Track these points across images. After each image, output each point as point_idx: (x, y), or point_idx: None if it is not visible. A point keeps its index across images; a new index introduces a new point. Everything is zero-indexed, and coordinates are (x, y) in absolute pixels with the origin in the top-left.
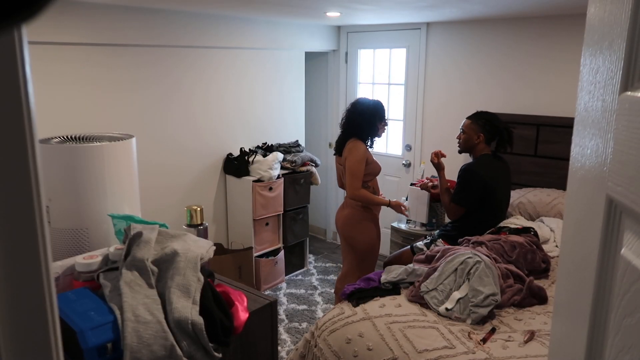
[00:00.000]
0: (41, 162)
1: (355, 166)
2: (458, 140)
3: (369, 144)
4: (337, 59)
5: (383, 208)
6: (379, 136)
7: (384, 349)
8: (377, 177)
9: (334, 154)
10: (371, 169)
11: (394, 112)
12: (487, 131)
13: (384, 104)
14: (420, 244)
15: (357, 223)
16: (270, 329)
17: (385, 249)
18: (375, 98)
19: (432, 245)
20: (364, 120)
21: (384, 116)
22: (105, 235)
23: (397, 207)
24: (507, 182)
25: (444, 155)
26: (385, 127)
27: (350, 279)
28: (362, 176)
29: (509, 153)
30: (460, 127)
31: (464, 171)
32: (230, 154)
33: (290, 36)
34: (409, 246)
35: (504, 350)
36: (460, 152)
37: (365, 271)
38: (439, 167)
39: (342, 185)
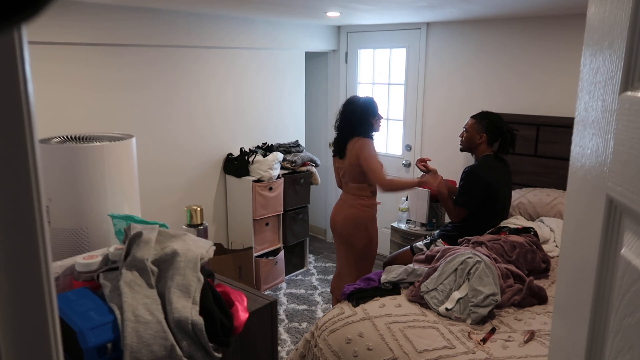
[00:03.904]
0: (41, 162)
1: (373, 160)
2: (461, 138)
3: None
4: (337, 59)
5: (380, 208)
6: (377, 131)
7: (384, 349)
8: None
9: (334, 156)
10: None
11: (394, 112)
12: (490, 132)
13: (375, 100)
14: (420, 244)
15: (359, 222)
16: (270, 329)
17: (385, 248)
18: (368, 95)
19: (432, 245)
20: (359, 118)
21: (377, 111)
22: (105, 235)
23: (425, 182)
24: (509, 183)
25: (428, 159)
26: (381, 122)
27: (347, 278)
28: (382, 166)
29: (509, 153)
30: (464, 126)
31: (467, 174)
32: (230, 154)
33: (290, 36)
34: (408, 246)
35: (504, 350)
36: (462, 150)
37: (362, 270)
38: (432, 172)
39: (341, 185)
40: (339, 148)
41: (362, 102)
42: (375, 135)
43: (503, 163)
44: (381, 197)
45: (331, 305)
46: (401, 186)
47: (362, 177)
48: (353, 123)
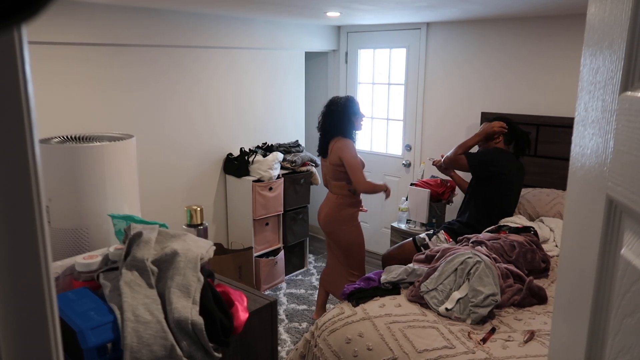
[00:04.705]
0: (41, 162)
1: (354, 161)
2: (477, 145)
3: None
4: (337, 59)
5: (380, 208)
6: (359, 129)
7: (383, 349)
8: (377, 177)
9: (318, 156)
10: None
11: (394, 112)
12: (505, 133)
13: (356, 99)
14: (422, 235)
15: (338, 220)
16: (270, 329)
17: (384, 248)
18: (348, 95)
19: (435, 237)
20: (340, 117)
21: (359, 110)
22: (105, 235)
23: (388, 190)
24: (520, 181)
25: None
26: (363, 120)
27: (336, 272)
28: (362, 168)
29: (524, 154)
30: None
31: (494, 148)
32: (230, 154)
33: (290, 36)
34: (410, 238)
35: (503, 350)
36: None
37: (350, 266)
38: (492, 136)
39: (327, 184)
40: (322, 148)
41: (342, 102)
42: (358, 133)
43: (519, 163)
44: (381, 197)
45: (317, 298)
46: (376, 189)
47: (341, 175)
48: (335, 123)
